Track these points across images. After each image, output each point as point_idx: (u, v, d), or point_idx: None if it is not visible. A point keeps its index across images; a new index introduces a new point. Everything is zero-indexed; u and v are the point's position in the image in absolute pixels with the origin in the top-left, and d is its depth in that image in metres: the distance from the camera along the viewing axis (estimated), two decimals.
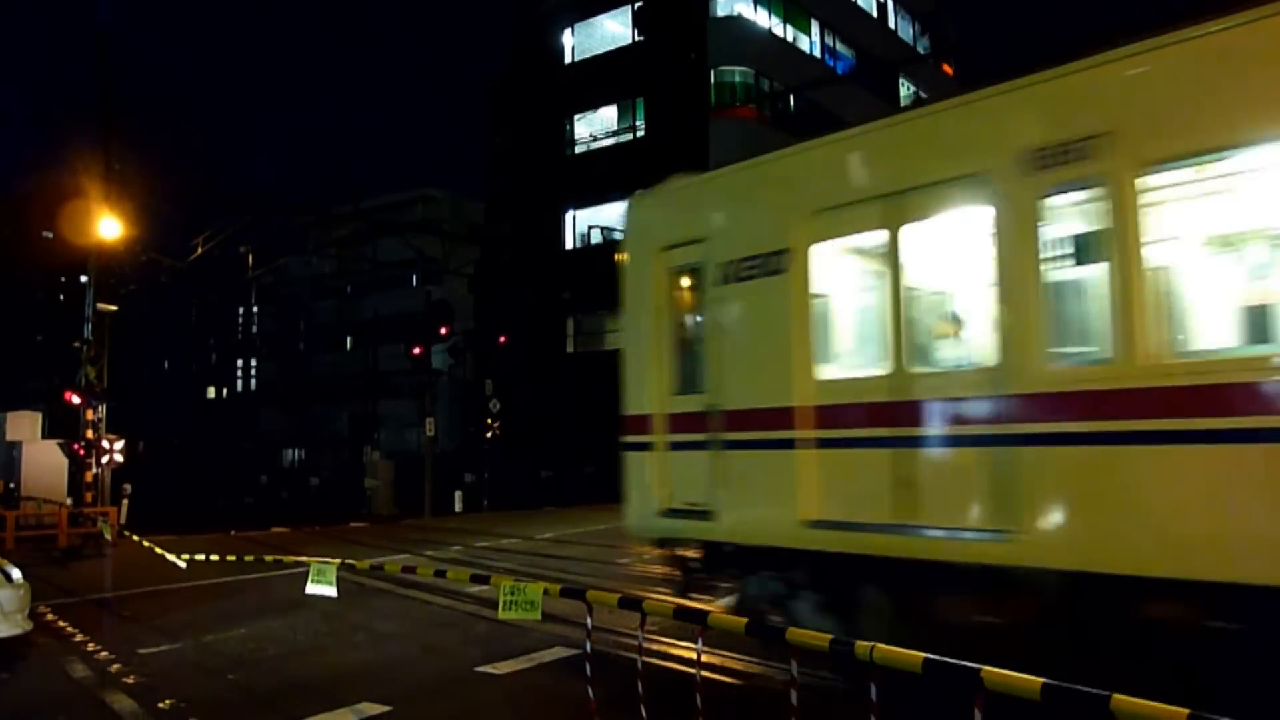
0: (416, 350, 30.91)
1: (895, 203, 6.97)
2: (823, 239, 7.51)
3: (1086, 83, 6.06)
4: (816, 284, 7.55)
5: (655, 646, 7.16)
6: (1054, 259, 6.23)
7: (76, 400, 22.28)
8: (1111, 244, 5.78)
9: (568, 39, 38.43)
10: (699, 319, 8.53)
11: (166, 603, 12.86)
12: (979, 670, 4.55)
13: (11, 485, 22.55)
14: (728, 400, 8.00)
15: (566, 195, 36.86)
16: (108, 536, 19.44)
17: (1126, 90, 5.85)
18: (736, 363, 8.03)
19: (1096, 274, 5.98)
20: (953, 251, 7.23)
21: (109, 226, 22.00)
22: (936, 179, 6.78)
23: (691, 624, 6.60)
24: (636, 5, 35.87)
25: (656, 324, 8.81)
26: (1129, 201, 5.68)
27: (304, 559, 10.95)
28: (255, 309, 33.05)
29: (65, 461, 22.76)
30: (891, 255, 6.98)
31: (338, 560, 10.42)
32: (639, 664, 6.76)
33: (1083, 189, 5.95)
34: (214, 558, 14.93)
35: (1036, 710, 4.44)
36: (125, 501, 22.64)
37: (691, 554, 8.57)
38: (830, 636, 5.65)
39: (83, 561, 17.58)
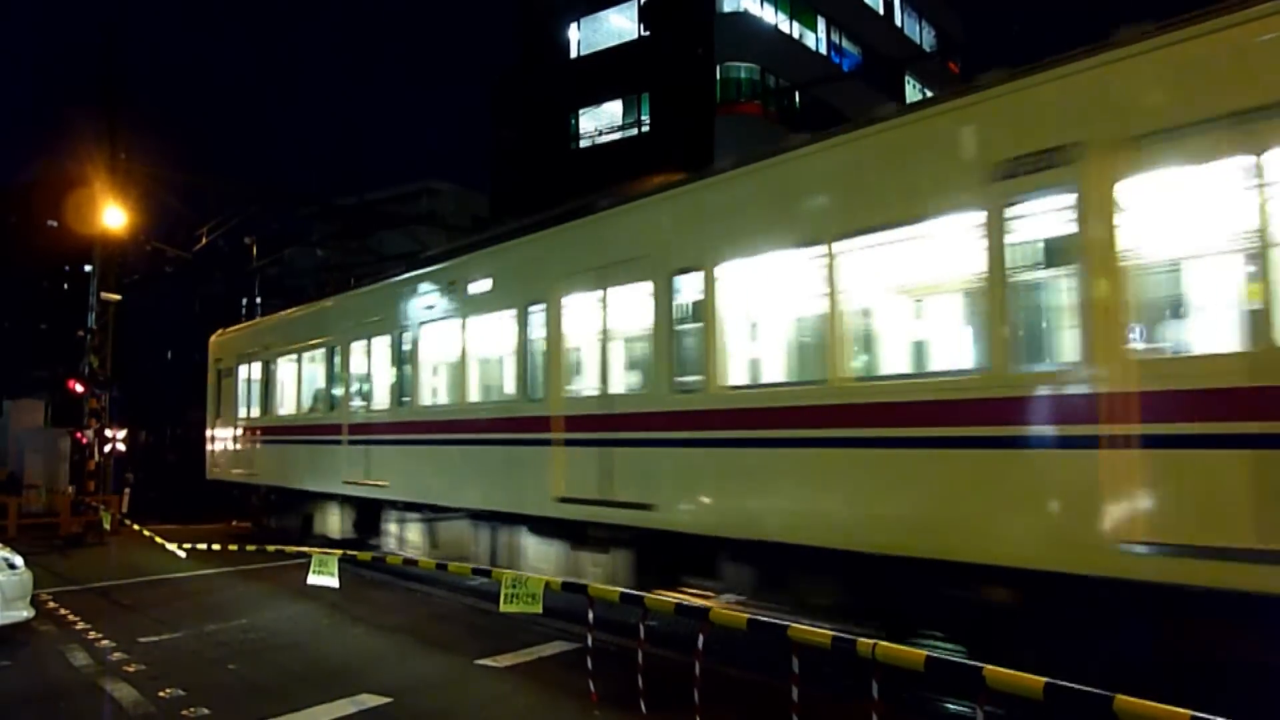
0: None
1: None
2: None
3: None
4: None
5: (656, 642, 7.15)
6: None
7: (80, 389, 22.30)
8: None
9: (574, 33, 38.33)
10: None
11: (168, 592, 12.89)
12: (981, 669, 4.55)
13: (14, 472, 22.63)
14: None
15: (571, 189, 36.79)
16: (107, 526, 19.49)
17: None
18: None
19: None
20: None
21: (114, 216, 21.99)
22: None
23: (693, 619, 6.61)
24: (643, 0, 35.79)
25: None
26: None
27: (306, 550, 10.97)
28: (259, 299, 33.01)
29: (68, 450, 22.81)
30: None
31: (339, 551, 10.45)
32: (639, 658, 6.77)
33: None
34: (215, 547, 14.96)
35: (1037, 708, 4.43)
36: (127, 490, 22.66)
37: None
38: (831, 634, 5.66)
39: (84, 550, 17.61)
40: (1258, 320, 5.24)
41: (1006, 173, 6.26)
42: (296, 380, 17.50)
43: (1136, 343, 5.73)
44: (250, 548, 13.72)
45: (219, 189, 27.02)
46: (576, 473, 10.03)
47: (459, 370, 12.62)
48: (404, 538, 14.17)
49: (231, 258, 31.84)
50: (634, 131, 35.97)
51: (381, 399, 14.52)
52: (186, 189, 26.51)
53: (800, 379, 8.45)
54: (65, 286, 55.99)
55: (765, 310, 8.76)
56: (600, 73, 36.59)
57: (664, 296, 9.10)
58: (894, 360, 7.89)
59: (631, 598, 7.19)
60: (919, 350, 7.87)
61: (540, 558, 10.84)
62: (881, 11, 43.26)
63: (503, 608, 7.55)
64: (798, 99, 36.18)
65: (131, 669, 8.46)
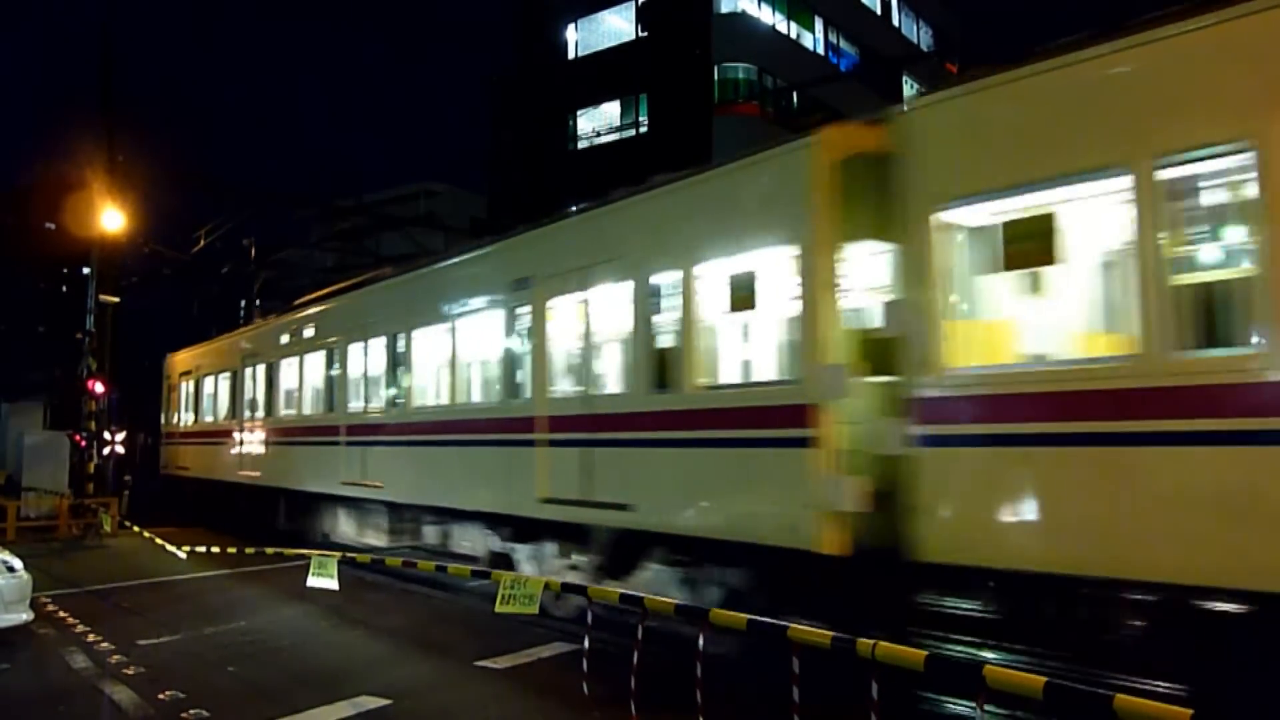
0: None
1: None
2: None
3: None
4: None
5: (655, 643, 7.15)
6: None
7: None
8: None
9: (571, 34, 38.35)
10: None
11: (167, 594, 12.87)
12: (981, 668, 4.55)
13: (13, 475, 22.57)
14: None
15: (569, 190, 36.76)
16: (108, 528, 19.46)
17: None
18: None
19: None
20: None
21: (112, 218, 21.96)
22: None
23: (693, 620, 6.61)
24: (640, 1, 35.80)
25: None
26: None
27: (305, 552, 10.96)
28: (257, 301, 32.94)
29: (67, 452, 22.76)
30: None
31: (339, 554, 10.44)
32: (635, 660, 6.77)
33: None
34: (214, 550, 14.95)
35: (1036, 707, 4.43)
36: (126, 493, 22.63)
37: None
38: (831, 634, 5.65)
39: (83, 552, 17.58)
40: None
41: None
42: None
43: None
44: (249, 550, 13.72)
45: (217, 191, 27.01)
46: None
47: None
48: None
49: (229, 260, 31.81)
50: (632, 132, 35.99)
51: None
52: (184, 191, 26.53)
53: None
54: (63, 289, 55.87)
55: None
56: (598, 74, 36.61)
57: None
58: None
59: (631, 598, 7.19)
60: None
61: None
62: (879, 12, 43.31)
63: (499, 608, 7.56)
64: (795, 99, 36.20)
65: (130, 671, 8.44)
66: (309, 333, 16.76)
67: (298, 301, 18.89)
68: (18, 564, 9.98)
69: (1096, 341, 6.42)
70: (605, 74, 36.35)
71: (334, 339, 15.53)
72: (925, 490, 6.50)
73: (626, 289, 9.16)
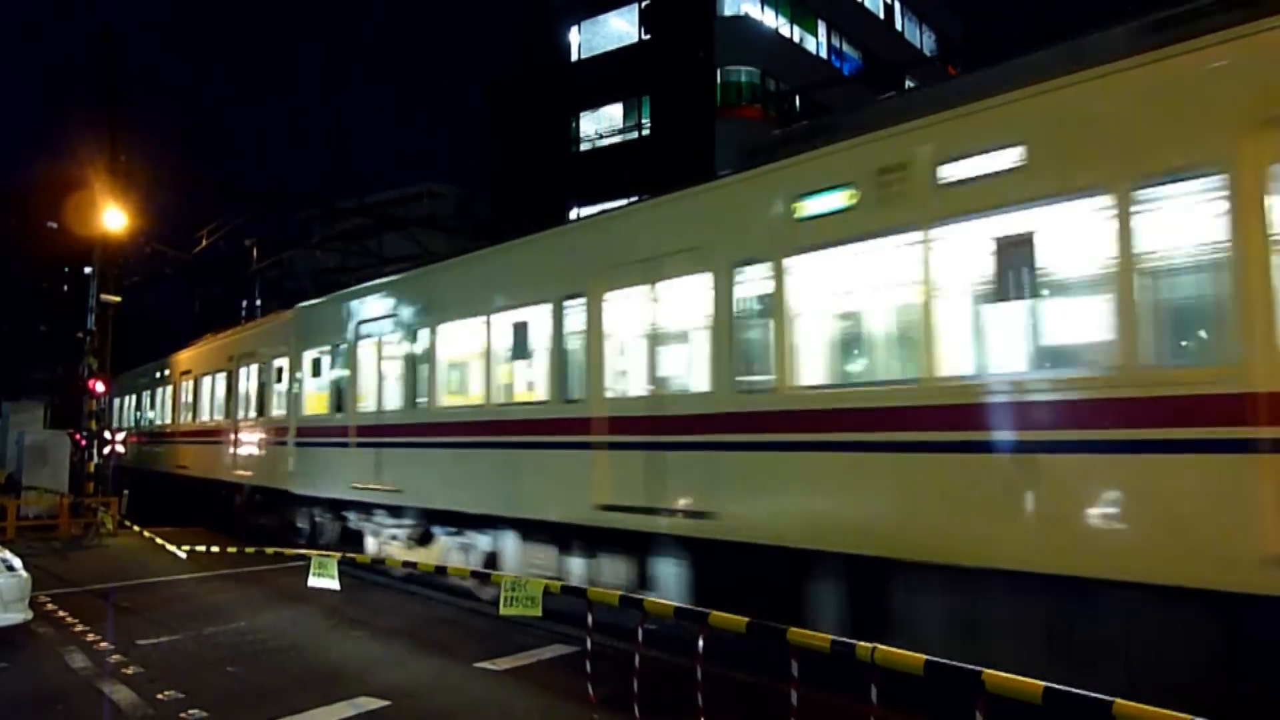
0: None
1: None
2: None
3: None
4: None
5: (655, 645, 7.15)
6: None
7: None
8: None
9: (574, 36, 38.37)
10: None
11: (166, 594, 12.87)
12: (980, 673, 4.54)
13: (13, 474, 22.59)
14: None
15: (571, 192, 36.80)
16: (109, 527, 19.47)
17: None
18: None
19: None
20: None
21: (114, 218, 21.97)
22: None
23: (693, 623, 6.60)
24: (643, 4, 35.81)
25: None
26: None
27: (306, 552, 10.96)
28: (259, 302, 32.95)
29: (67, 451, 22.78)
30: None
31: (339, 554, 10.44)
32: (637, 662, 6.76)
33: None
34: (214, 549, 14.95)
35: (1035, 712, 4.42)
36: (126, 492, 22.64)
37: None
38: (830, 637, 5.65)
39: (83, 552, 17.58)
40: None
41: None
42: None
43: None
44: (249, 550, 13.72)
45: (219, 191, 27.03)
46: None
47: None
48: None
49: (231, 260, 31.84)
50: (634, 135, 35.99)
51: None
52: (187, 191, 26.55)
53: None
54: (65, 288, 55.96)
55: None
56: (601, 76, 36.61)
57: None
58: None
59: (630, 600, 7.18)
60: None
61: None
62: (882, 15, 43.30)
63: (503, 611, 7.55)
64: (798, 103, 36.20)
65: (129, 671, 8.44)
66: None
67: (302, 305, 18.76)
68: (17, 563, 9.98)
69: None
70: (608, 76, 36.35)
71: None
72: None
73: None
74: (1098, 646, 5.77)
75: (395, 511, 13.37)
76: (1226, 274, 5.39)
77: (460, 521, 12.01)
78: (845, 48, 40.21)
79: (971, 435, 6.40)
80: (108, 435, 22.44)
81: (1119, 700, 3.98)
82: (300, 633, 10.23)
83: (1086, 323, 6.16)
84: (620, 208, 10.65)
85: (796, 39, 37.62)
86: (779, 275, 7.86)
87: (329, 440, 15.04)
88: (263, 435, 18.22)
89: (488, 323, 11.49)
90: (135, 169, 22.66)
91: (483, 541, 11.71)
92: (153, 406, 28.81)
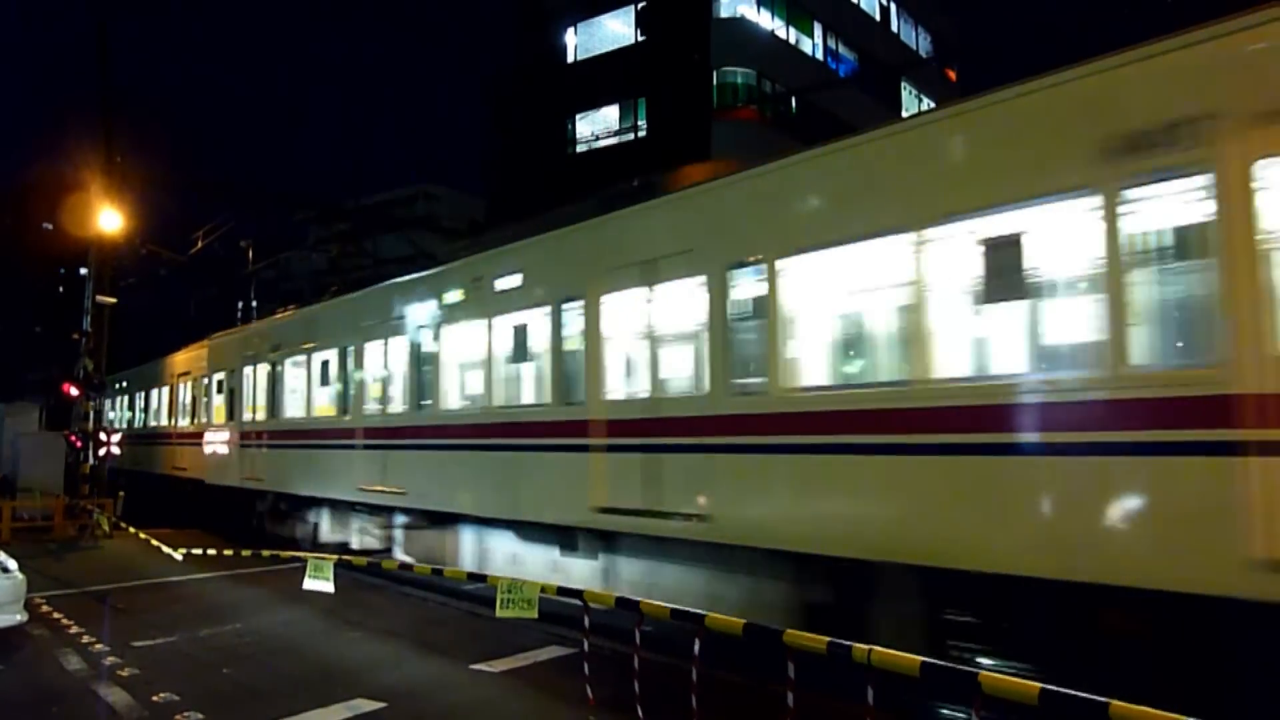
0: None
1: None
2: None
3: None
4: None
5: (651, 647, 7.15)
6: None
7: (75, 392, 22.23)
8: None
9: (570, 38, 38.37)
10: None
11: (162, 596, 12.84)
12: (976, 674, 4.55)
13: (8, 476, 22.53)
14: None
15: (568, 194, 36.78)
16: (104, 529, 19.42)
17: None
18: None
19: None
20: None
21: (109, 219, 21.93)
22: None
23: (689, 625, 6.60)
24: (640, 5, 35.82)
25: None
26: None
27: (301, 554, 10.95)
28: (255, 303, 32.92)
29: (63, 453, 22.71)
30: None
31: (335, 556, 10.42)
32: (635, 663, 6.77)
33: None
34: (210, 551, 14.92)
35: (1034, 714, 4.43)
36: (121, 494, 22.58)
37: None
38: (827, 639, 5.65)
39: (79, 553, 17.54)
40: None
41: None
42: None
43: None
44: (245, 552, 13.70)
45: (215, 192, 27.02)
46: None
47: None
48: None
49: (227, 261, 31.79)
50: (630, 136, 36.00)
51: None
52: (183, 192, 26.51)
53: None
54: (60, 289, 55.82)
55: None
56: (597, 77, 36.61)
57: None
58: None
59: (626, 602, 7.18)
60: None
61: None
62: (878, 17, 43.35)
63: (499, 612, 7.54)
64: (794, 104, 36.24)
65: (125, 673, 8.42)
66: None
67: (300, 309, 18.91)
68: (12, 565, 9.96)
69: None
70: (604, 78, 36.36)
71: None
72: None
73: None
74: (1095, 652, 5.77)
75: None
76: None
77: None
78: (841, 49, 40.26)
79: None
80: (103, 436, 22.38)
81: (1114, 702, 3.98)
82: (296, 634, 10.21)
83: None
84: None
85: (792, 40, 37.65)
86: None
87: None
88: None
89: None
90: (131, 170, 22.63)
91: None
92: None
